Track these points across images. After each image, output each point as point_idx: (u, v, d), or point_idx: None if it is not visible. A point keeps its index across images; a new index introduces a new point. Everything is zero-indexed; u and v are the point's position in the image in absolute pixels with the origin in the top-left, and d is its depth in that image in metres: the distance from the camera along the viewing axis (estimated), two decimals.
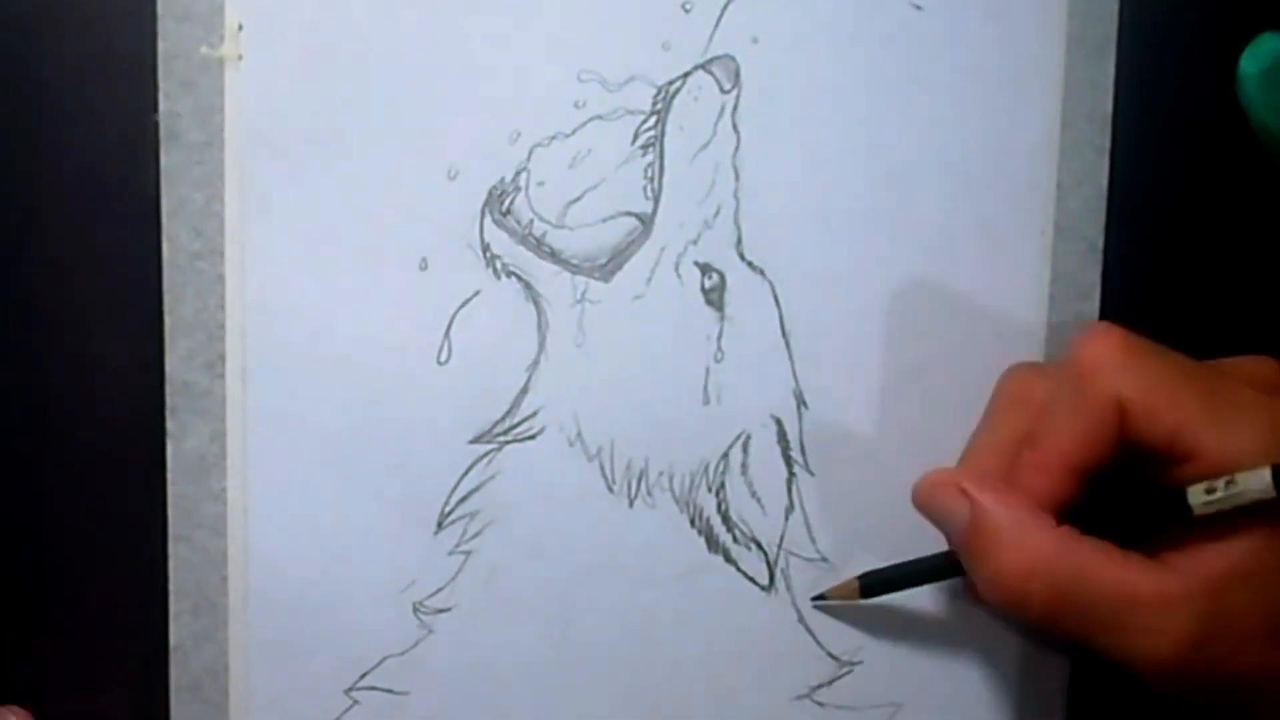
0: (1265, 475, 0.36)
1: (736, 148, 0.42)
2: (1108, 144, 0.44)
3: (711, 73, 0.42)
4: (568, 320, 0.42)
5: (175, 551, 0.41)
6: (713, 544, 0.43)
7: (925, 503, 0.41)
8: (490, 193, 0.42)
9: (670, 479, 0.43)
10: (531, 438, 0.42)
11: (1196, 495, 0.37)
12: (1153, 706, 0.41)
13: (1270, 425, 0.37)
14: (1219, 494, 0.37)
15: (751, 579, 0.44)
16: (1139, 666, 0.37)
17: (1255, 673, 0.37)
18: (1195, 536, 0.37)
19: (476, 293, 0.42)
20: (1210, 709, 0.39)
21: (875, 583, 0.43)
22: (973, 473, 0.40)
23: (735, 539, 0.44)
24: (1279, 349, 0.41)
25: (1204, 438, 0.37)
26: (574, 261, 0.42)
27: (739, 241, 0.43)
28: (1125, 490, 0.39)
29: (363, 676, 0.42)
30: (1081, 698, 0.45)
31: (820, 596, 0.43)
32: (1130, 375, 0.38)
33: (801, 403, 0.43)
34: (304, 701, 0.42)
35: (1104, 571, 0.37)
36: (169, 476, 0.41)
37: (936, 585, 0.44)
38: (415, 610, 0.42)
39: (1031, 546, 0.38)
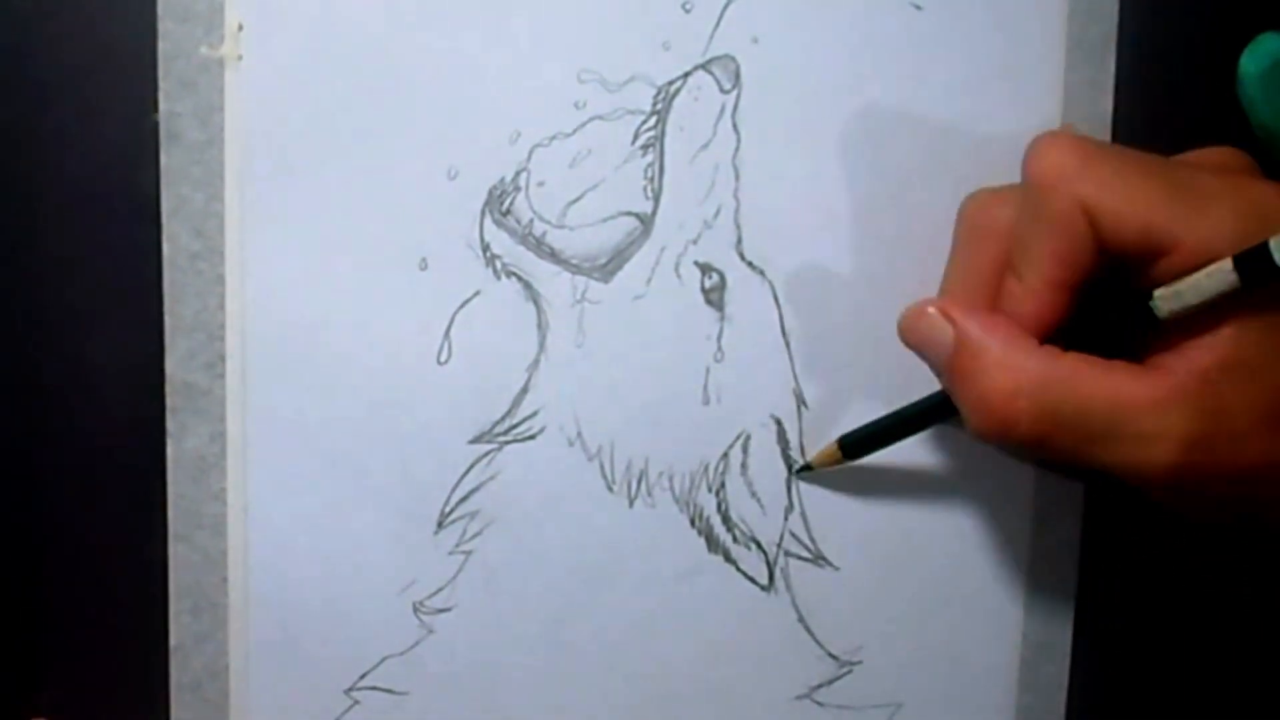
0: (1227, 266, 0.35)
1: (736, 148, 0.42)
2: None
3: (711, 73, 0.42)
4: (568, 320, 0.42)
5: (175, 551, 0.41)
6: (713, 544, 0.43)
7: (909, 331, 0.40)
8: (490, 193, 0.42)
9: (670, 479, 0.43)
10: (531, 438, 0.42)
11: (1163, 300, 0.36)
12: (1153, 706, 0.41)
13: (1239, 207, 0.36)
14: (1185, 298, 0.36)
15: (751, 579, 0.44)
16: (1138, 476, 0.36)
17: (1259, 465, 0.36)
18: (1180, 335, 0.36)
19: (476, 293, 0.42)
20: (1212, 525, 0.38)
21: (857, 441, 0.42)
22: (955, 300, 0.39)
23: (735, 539, 0.44)
24: None
25: (1175, 229, 0.36)
26: (574, 261, 0.42)
27: (739, 241, 0.43)
28: (1111, 302, 0.38)
29: (363, 676, 0.42)
30: (1081, 697, 0.45)
31: (805, 467, 0.43)
32: (1090, 179, 0.37)
33: (801, 403, 0.43)
34: (304, 701, 0.42)
35: (1092, 381, 0.36)
36: (169, 476, 0.41)
37: (936, 586, 0.44)
38: (415, 610, 0.42)
39: (1016, 365, 0.37)
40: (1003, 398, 0.37)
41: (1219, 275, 0.35)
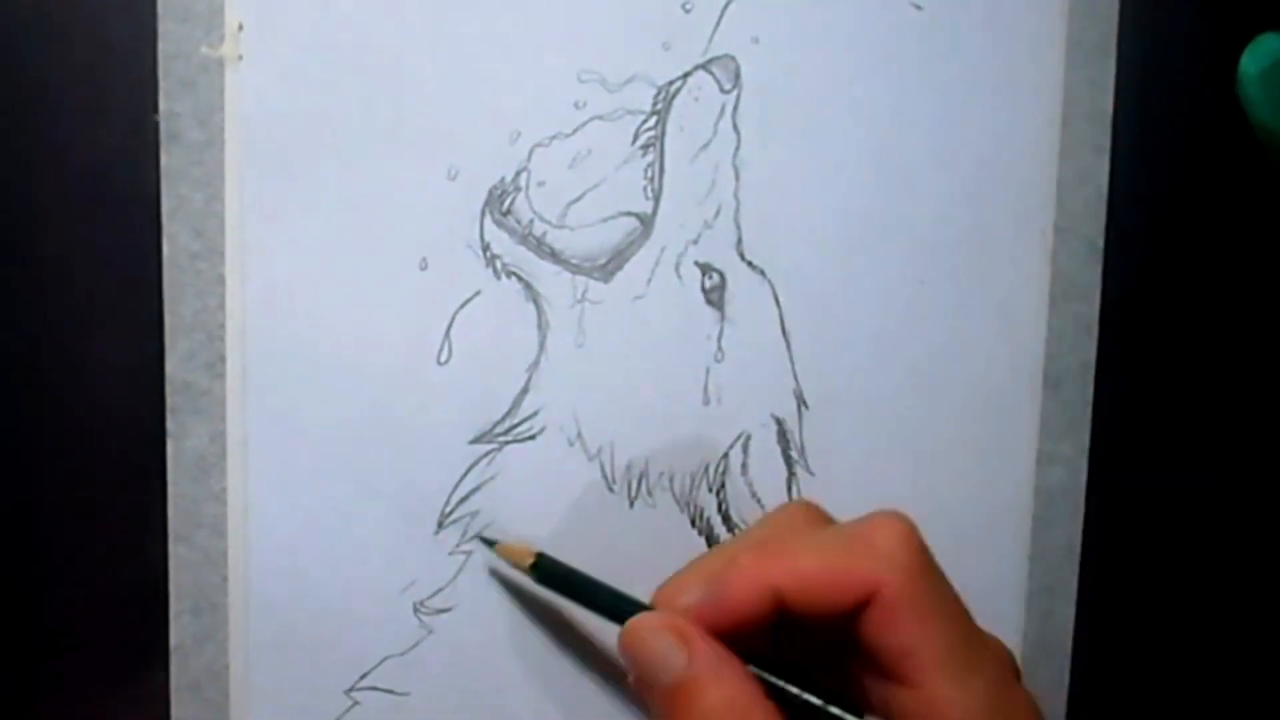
0: None
1: (737, 148, 0.42)
2: (1108, 144, 0.44)
3: (712, 73, 0.42)
4: (568, 320, 0.42)
5: (175, 551, 0.41)
6: (713, 544, 0.43)
7: (631, 643, 0.36)
8: (490, 193, 0.42)
9: (670, 479, 0.43)
10: (531, 438, 0.42)
11: None
12: (1153, 706, 0.41)
13: (991, 697, 0.35)
14: None
15: None
16: None
17: None
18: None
19: (476, 293, 0.42)
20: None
21: (553, 572, 0.41)
22: (690, 624, 0.36)
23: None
24: (1279, 349, 0.41)
25: (931, 673, 0.34)
26: (574, 261, 0.42)
27: (739, 241, 0.43)
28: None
29: (363, 676, 0.42)
30: (1082, 697, 0.45)
31: (490, 541, 0.42)
32: (911, 571, 0.35)
33: (801, 403, 0.43)
34: (304, 701, 0.42)
35: None
36: (169, 476, 0.41)
37: None
38: (415, 610, 0.42)
39: None
40: None
41: None
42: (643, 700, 0.36)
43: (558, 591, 0.41)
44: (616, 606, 0.39)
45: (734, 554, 0.36)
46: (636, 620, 0.37)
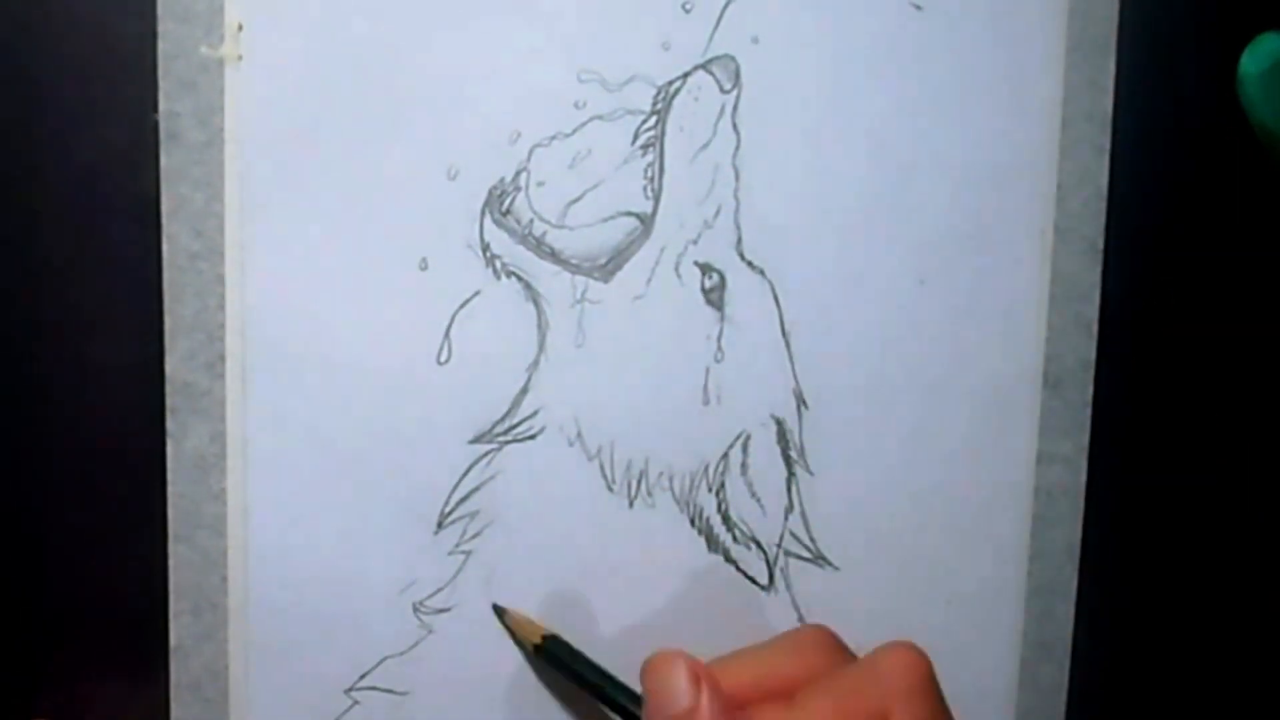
0: None
1: (736, 148, 0.42)
2: (1108, 144, 0.44)
3: (711, 73, 0.42)
4: (568, 320, 0.42)
5: (175, 551, 0.41)
6: (713, 544, 0.43)
7: (650, 673, 0.38)
8: (490, 193, 0.42)
9: (670, 479, 0.43)
10: (531, 438, 0.42)
11: None
12: (1153, 706, 0.41)
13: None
14: None
15: (751, 579, 0.44)
16: None
17: None
18: None
19: (476, 293, 0.42)
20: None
21: (559, 654, 0.42)
22: (710, 673, 0.38)
23: (735, 539, 0.44)
24: (1279, 349, 0.41)
25: None
26: (574, 261, 0.42)
27: (739, 241, 0.43)
28: None
29: (363, 676, 0.42)
30: (1082, 698, 0.45)
31: (500, 611, 0.42)
32: (913, 698, 0.36)
33: (801, 403, 0.43)
34: (304, 701, 0.42)
35: None
36: (169, 476, 0.41)
37: (936, 586, 0.44)
38: (415, 610, 0.42)
39: None
40: None
41: None
42: None
43: (562, 674, 0.42)
44: (619, 699, 0.40)
45: (742, 683, 0.38)
46: (662, 653, 0.38)
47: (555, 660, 0.42)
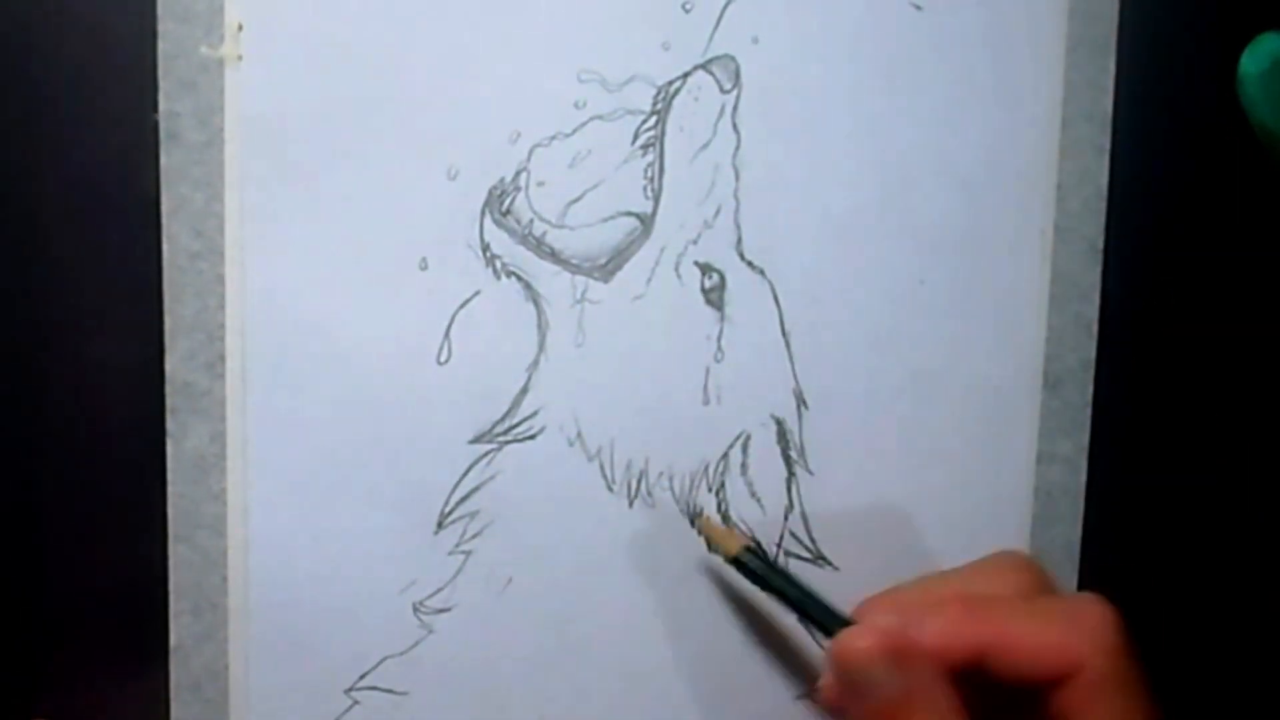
0: None
1: (736, 148, 0.42)
2: (1108, 144, 0.44)
3: (712, 73, 0.42)
4: (568, 320, 0.42)
5: (175, 551, 0.41)
6: (712, 546, 0.43)
7: (846, 659, 0.36)
8: (490, 193, 0.42)
9: (670, 479, 0.43)
10: (531, 438, 0.42)
11: None
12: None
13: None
14: None
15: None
16: None
17: None
18: None
19: (476, 293, 0.42)
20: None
21: (760, 568, 0.41)
22: (912, 639, 0.36)
23: None
24: (1279, 349, 0.41)
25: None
26: (574, 261, 0.42)
27: (739, 241, 0.43)
28: None
29: (363, 676, 0.42)
30: None
31: (699, 514, 0.42)
32: (1114, 656, 0.36)
33: (801, 403, 0.43)
34: (304, 701, 0.42)
35: None
36: (169, 476, 0.41)
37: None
38: (415, 610, 0.42)
39: None
40: None
41: None
42: (844, 708, 0.36)
43: (759, 585, 0.41)
44: (822, 613, 0.39)
45: (943, 597, 0.37)
46: (855, 633, 0.36)
47: (752, 572, 0.41)
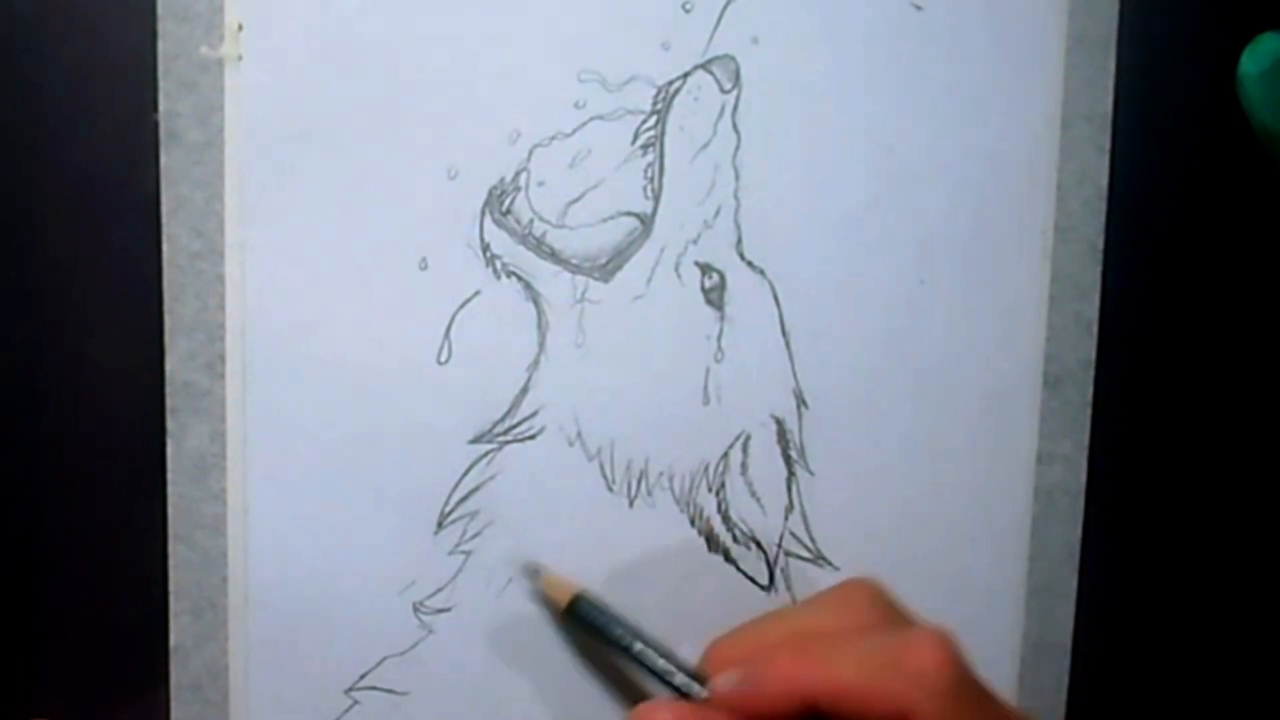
0: None
1: (736, 148, 0.42)
2: (1108, 144, 0.44)
3: (712, 73, 0.42)
4: (568, 320, 0.42)
5: (175, 551, 0.41)
6: (713, 544, 0.43)
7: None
8: (490, 193, 0.42)
9: (670, 479, 0.43)
10: (531, 438, 0.42)
11: None
12: (1153, 707, 0.41)
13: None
14: None
15: (751, 579, 0.44)
16: None
17: None
18: None
19: (476, 293, 0.42)
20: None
21: (588, 619, 0.41)
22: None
23: (735, 539, 0.44)
24: (1279, 349, 0.41)
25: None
26: (574, 261, 0.42)
27: (739, 241, 0.43)
28: None
29: (363, 676, 0.42)
30: (1082, 697, 0.45)
31: (535, 572, 0.42)
32: (944, 698, 0.36)
33: (801, 403, 0.43)
34: (304, 701, 0.42)
35: None
36: (169, 476, 0.41)
37: (936, 586, 0.44)
38: (415, 610, 0.42)
39: None
40: None
41: None
42: None
43: (592, 635, 0.41)
44: (654, 662, 0.40)
45: (783, 638, 0.38)
46: (651, 708, 0.38)
47: (585, 622, 0.41)
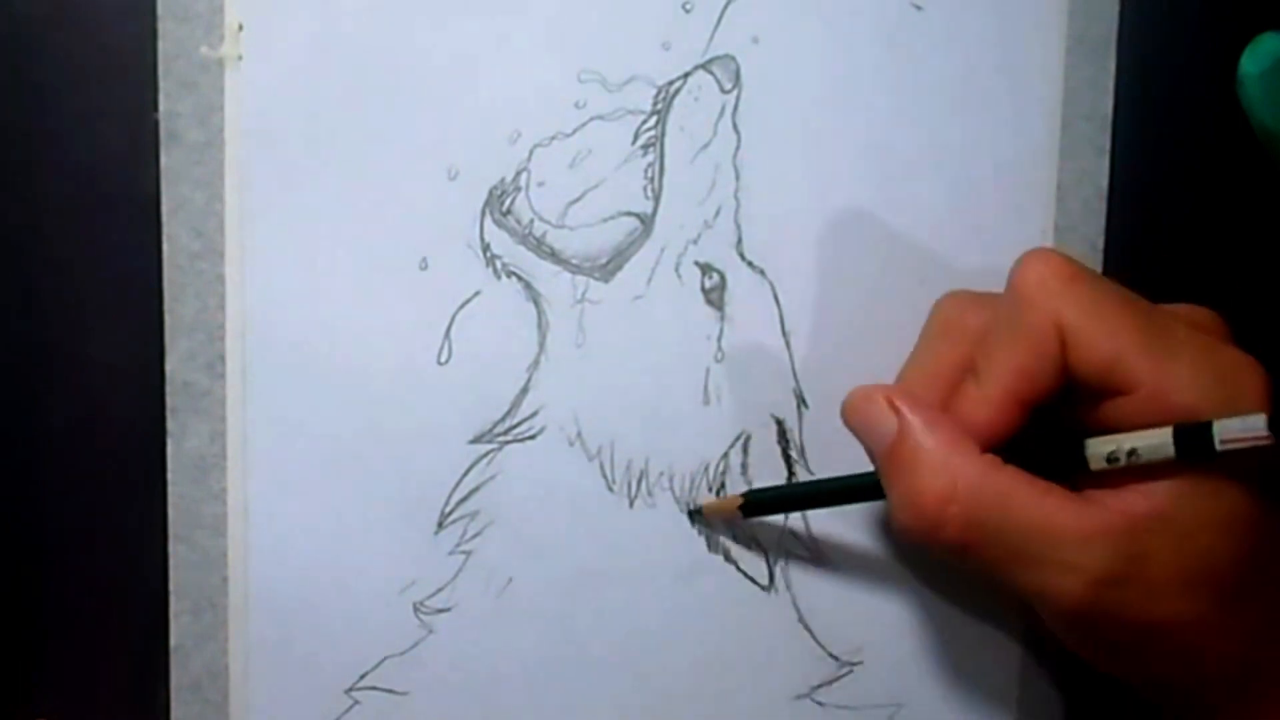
0: (1167, 437, 0.35)
1: (737, 148, 0.42)
2: (1108, 144, 0.44)
3: (712, 73, 0.42)
4: (568, 320, 0.42)
5: (175, 551, 0.41)
6: (713, 544, 0.43)
7: (852, 412, 0.39)
8: (490, 193, 0.42)
9: (670, 479, 0.43)
10: (531, 438, 0.42)
11: (1095, 447, 0.37)
12: (1153, 707, 0.41)
13: (1206, 367, 0.36)
14: (1116, 454, 0.36)
15: (751, 579, 0.44)
16: (1049, 603, 0.37)
17: (1162, 622, 0.36)
18: (1122, 476, 0.36)
19: (476, 293, 0.42)
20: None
21: (763, 501, 0.42)
22: (906, 392, 0.39)
23: (735, 539, 0.44)
24: (1279, 349, 0.41)
25: (1141, 369, 0.36)
26: (574, 261, 0.42)
27: (739, 241, 0.43)
28: (1059, 429, 0.38)
29: (363, 676, 0.42)
30: (1082, 698, 0.45)
31: (697, 511, 0.43)
32: (1070, 300, 0.37)
33: (801, 403, 0.43)
34: (304, 701, 0.42)
35: (1025, 501, 0.36)
36: (169, 476, 0.41)
37: (936, 586, 0.44)
38: (415, 610, 0.42)
39: (954, 469, 0.36)
40: (935, 500, 0.37)
41: (1155, 443, 0.36)
42: (882, 478, 0.39)
43: (781, 512, 0.42)
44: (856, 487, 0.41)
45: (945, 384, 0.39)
46: (854, 392, 0.39)
47: (764, 509, 0.42)
